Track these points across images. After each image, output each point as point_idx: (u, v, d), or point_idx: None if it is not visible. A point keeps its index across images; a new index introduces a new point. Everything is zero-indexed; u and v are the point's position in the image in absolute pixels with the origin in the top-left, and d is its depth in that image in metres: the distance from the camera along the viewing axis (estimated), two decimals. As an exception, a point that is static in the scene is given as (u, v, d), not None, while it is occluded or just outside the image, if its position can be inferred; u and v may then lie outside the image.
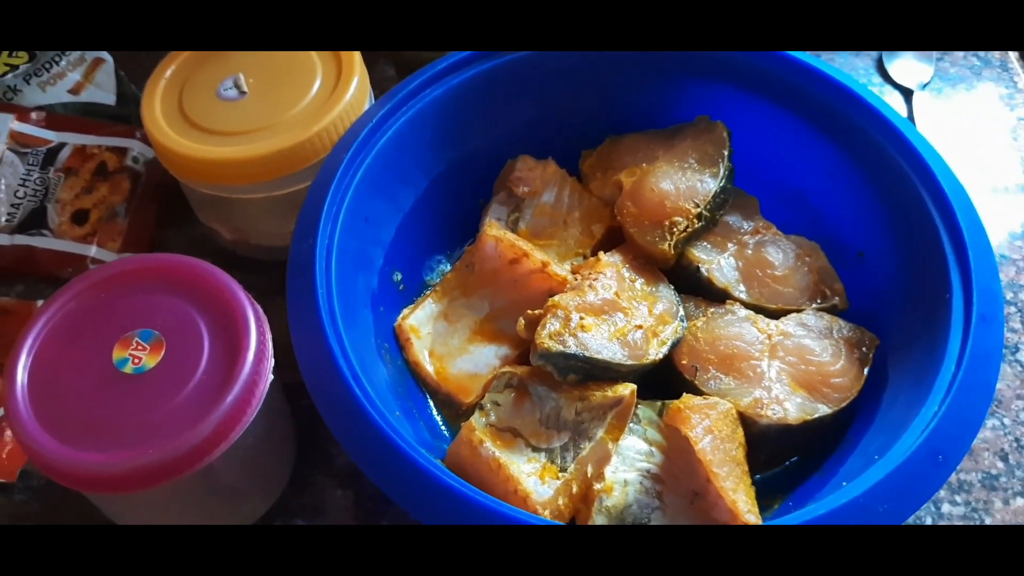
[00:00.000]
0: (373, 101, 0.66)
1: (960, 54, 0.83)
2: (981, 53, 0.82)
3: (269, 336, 0.50)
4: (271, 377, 0.49)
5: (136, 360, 0.48)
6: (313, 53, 0.64)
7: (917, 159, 0.55)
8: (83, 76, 0.76)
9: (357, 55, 0.64)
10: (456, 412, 0.58)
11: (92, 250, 0.69)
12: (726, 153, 0.60)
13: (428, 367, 0.59)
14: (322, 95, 0.62)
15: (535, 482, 0.51)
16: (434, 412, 0.58)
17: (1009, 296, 0.67)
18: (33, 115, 0.73)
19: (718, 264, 0.59)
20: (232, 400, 0.46)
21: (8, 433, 0.59)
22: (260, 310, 0.51)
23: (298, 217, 0.54)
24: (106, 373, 0.48)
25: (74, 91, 0.75)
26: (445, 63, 0.61)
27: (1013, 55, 0.82)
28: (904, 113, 0.78)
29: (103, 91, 0.76)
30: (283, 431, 0.56)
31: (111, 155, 0.72)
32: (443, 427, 0.58)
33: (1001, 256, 0.69)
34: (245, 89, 0.62)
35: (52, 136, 0.72)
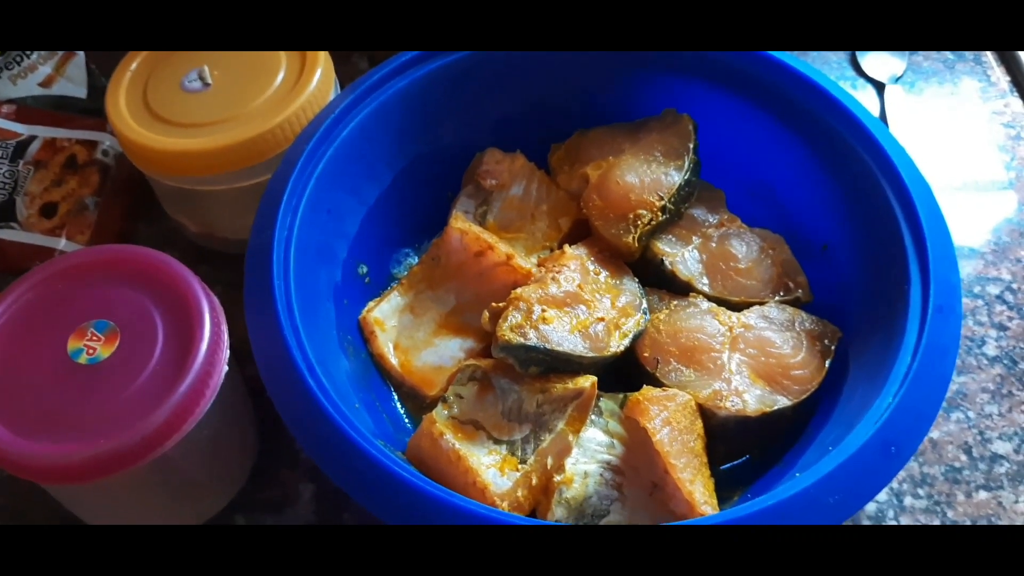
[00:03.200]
0: (339, 92, 0.65)
1: (934, 48, 0.83)
2: (955, 47, 0.83)
3: (225, 327, 0.50)
4: (227, 368, 0.49)
5: (91, 351, 0.48)
6: (278, 45, 0.64)
7: (881, 154, 0.55)
8: (54, 69, 0.76)
9: (322, 47, 0.64)
10: (420, 405, 0.58)
11: (61, 243, 0.68)
12: (691, 146, 0.60)
13: (392, 360, 0.59)
14: (286, 86, 0.62)
15: (494, 474, 0.51)
16: (398, 405, 0.58)
17: (976, 290, 0.67)
18: (3, 108, 0.72)
19: (682, 257, 0.59)
20: (185, 390, 0.46)
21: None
22: (216, 301, 0.51)
23: (257, 210, 0.53)
24: (61, 364, 0.48)
25: (45, 84, 0.75)
26: (411, 54, 0.61)
27: (987, 49, 0.82)
28: (877, 107, 0.78)
29: (74, 84, 0.76)
30: (243, 423, 0.56)
31: (81, 148, 0.72)
32: (407, 420, 0.58)
33: (970, 249, 0.69)
34: (209, 81, 0.62)
35: (22, 129, 0.72)
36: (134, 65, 0.64)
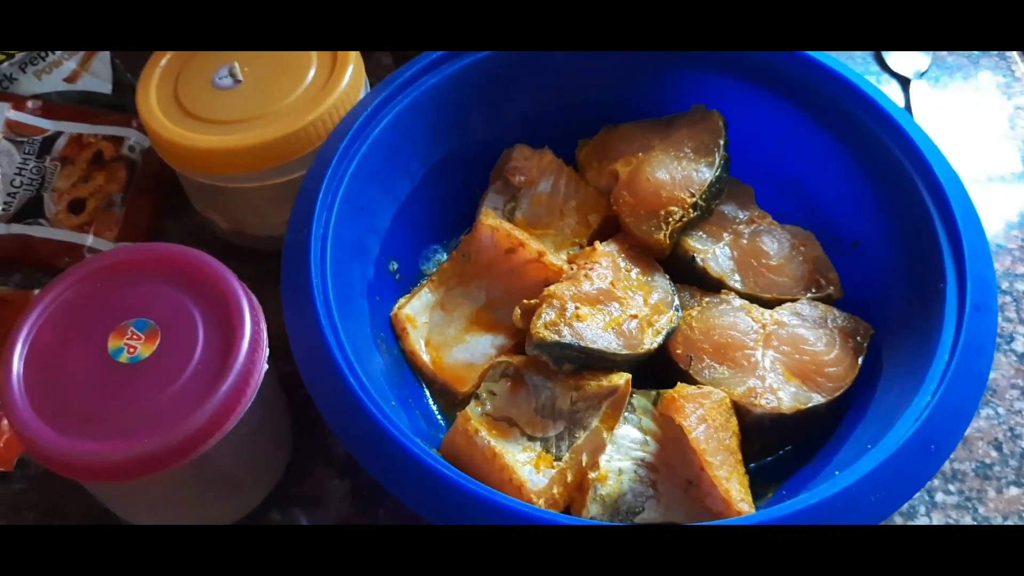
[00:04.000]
0: (369, 89, 0.65)
1: (958, 43, 0.82)
2: (979, 42, 0.82)
3: (264, 326, 0.50)
4: (266, 367, 0.50)
5: (131, 350, 0.48)
6: (308, 42, 0.64)
7: (912, 148, 0.55)
8: (79, 65, 0.76)
9: (352, 44, 0.64)
10: (452, 402, 0.58)
11: (89, 239, 0.69)
12: (722, 142, 0.60)
13: (424, 356, 0.59)
14: (317, 83, 0.62)
15: (530, 471, 0.51)
16: (430, 401, 0.59)
17: (1005, 286, 0.67)
18: (29, 104, 0.73)
19: (713, 254, 0.59)
20: (227, 390, 0.46)
21: (4, 422, 0.59)
22: (255, 299, 0.51)
23: (293, 206, 0.54)
24: (102, 362, 0.48)
25: (70, 80, 0.75)
26: (441, 51, 0.61)
27: (1011, 44, 0.82)
28: (901, 102, 0.78)
29: (99, 80, 0.76)
30: (279, 421, 0.56)
31: (107, 144, 0.72)
32: (439, 416, 0.58)
33: (997, 245, 0.69)
34: (240, 78, 0.62)
35: (48, 125, 0.72)
36: (164, 61, 0.64)
